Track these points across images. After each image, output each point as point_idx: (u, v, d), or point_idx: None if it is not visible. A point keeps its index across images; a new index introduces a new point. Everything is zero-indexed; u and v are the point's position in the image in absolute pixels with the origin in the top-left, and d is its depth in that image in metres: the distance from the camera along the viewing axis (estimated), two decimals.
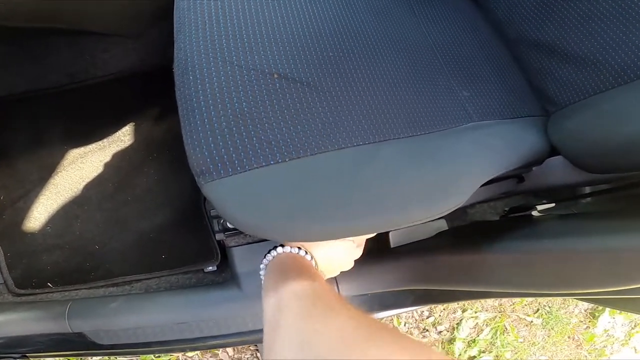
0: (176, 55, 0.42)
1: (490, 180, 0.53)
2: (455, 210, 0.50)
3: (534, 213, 0.67)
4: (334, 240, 0.44)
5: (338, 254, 0.46)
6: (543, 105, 0.58)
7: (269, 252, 0.42)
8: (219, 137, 0.34)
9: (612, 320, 1.23)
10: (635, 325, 1.24)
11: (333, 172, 0.35)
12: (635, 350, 1.24)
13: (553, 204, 0.68)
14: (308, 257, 0.41)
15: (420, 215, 0.39)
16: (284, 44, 0.43)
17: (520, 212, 0.70)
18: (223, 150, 0.33)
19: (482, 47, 0.61)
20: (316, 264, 0.42)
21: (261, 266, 0.42)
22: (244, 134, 0.35)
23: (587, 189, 0.76)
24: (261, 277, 0.41)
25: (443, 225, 0.67)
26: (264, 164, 0.34)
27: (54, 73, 0.84)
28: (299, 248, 0.41)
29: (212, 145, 0.34)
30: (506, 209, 0.79)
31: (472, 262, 0.53)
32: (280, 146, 0.35)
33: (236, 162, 0.33)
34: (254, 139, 0.34)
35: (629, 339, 1.23)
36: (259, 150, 0.34)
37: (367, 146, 0.39)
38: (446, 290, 0.62)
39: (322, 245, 0.44)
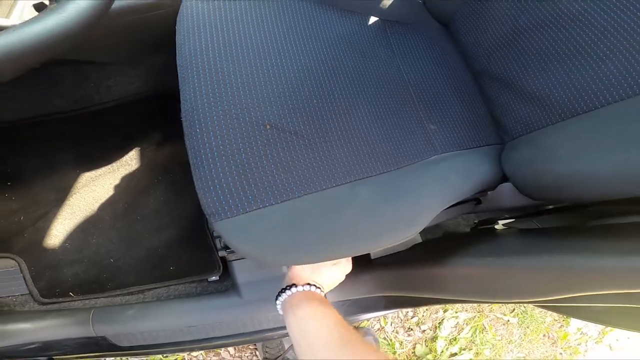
0: (183, 105, 0.50)
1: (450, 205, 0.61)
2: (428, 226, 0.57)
3: (497, 227, 0.76)
4: (330, 264, 0.53)
5: (336, 274, 0.54)
6: (500, 134, 0.63)
7: (283, 291, 0.49)
8: (224, 185, 0.43)
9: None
10: None
11: (316, 212, 0.44)
12: (611, 347, 1.29)
13: (513, 219, 0.77)
14: (318, 290, 0.49)
15: (389, 242, 0.48)
16: (274, 96, 0.51)
17: (488, 224, 0.79)
18: (228, 196, 0.43)
19: (451, 80, 0.66)
20: (322, 290, 0.50)
21: (277, 303, 0.49)
22: (244, 181, 0.44)
23: (551, 207, 0.83)
24: (279, 311, 0.49)
25: (417, 239, 0.76)
26: (260, 206, 0.43)
27: (60, 100, 0.90)
28: (309, 284, 0.48)
29: (219, 192, 0.43)
30: (476, 221, 0.88)
31: (437, 273, 0.61)
32: (274, 190, 0.44)
33: (239, 205, 0.42)
34: (252, 185, 0.44)
35: (603, 337, 1.29)
36: (256, 195, 0.43)
37: (346, 186, 0.48)
38: (415, 297, 0.70)
39: (323, 271, 0.52)
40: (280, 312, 0.49)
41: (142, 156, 0.89)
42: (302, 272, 0.51)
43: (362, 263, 0.76)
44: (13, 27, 0.32)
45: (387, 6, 0.68)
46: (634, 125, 0.41)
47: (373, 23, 0.66)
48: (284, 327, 0.78)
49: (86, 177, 0.88)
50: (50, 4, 0.37)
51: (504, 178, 0.59)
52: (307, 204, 0.44)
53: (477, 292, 0.59)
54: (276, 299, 0.50)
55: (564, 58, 0.50)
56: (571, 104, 0.49)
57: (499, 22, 0.60)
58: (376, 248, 0.47)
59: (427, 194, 0.51)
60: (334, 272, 0.54)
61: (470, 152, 0.60)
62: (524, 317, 1.25)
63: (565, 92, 0.49)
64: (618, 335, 1.30)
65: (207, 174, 0.44)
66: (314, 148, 0.49)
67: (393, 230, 0.47)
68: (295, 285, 0.48)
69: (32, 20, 0.33)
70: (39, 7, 0.44)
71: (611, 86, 0.45)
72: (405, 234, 0.47)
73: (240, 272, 0.73)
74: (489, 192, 0.65)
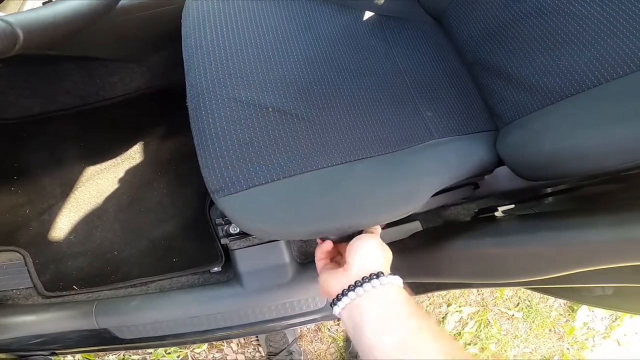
0: (188, 91, 0.52)
1: (448, 188, 0.62)
2: (429, 213, 0.57)
3: (497, 214, 0.77)
4: (367, 247, 0.44)
5: (381, 253, 0.45)
6: (494, 121, 0.65)
7: (345, 294, 0.40)
8: (227, 162, 0.44)
9: (591, 314, 1.28)
10: (616, 319, 1.29)
11: (317, 187, 0.45)
12: (619, 342, 1.28)
13: (513, 205, 0.78)
14: (392, 280, 0.41)
15: (386, 218, 0.49)
16: (277, 81, 0.53)
17: (487, 212, 0.80)
18: (232, 172, 0.44)
19: (445, 70, 0.68)
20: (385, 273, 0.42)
21: (339, 304, 0.41)
22: (247, 159, 0.45)
23: (549, 190, 0.85)
24: (337, 313, 0.41)
25: (418, 227, 0.77)
26: (263, 182, 0.44)
27: (66, 96, 0.92)
28: (376, 275, 0.40)
29: (222, 169, 0.44)
30: (476, 210, 0.89)
31: (437, 257, 0.63)
32: (276, 167, 0.45)
33: (242, 181, 0.43)
34: (255, 162, 0.45)
35: (610, 332, 1.28)
36: (259, 172, 0.44)
37: (344, 165, 0.49)
38: (417, 283, 0.71)
39: (368, 257, 0.43)
40: (350, 329, 0.40)
41: (146, 150, 0.91)
42: (353, 259, 0.42)
43: None
44: (44, 5, 0.36)
45: (382, 2, 0.70)
46: (613, 104, 0.44)
47: (369, 18, 0.68)
48: (287, 318, 0.79)
49: (91, 171, 0.89)
50: None
51: (500, 162, 0.61)
52: (308, 180, 0.45)
53: (477, 273, 0.60)
54: (332, 306, 0.42)
55: (550, 46, 0.53)
56: (559, 88, 0.51)
57: (488, 14, 0.62)
58: (375, 223, 0.48)
59: (424, 173, 0.52)
60: (379, 251, 0.45)
61: (466, 138, 0.61)
62: (528, 311, 1.24)
63: (552, 77, 0.52)
64: (626, 330, 1.29)
65: (211, 152, 0.45)
66: (315, 130, 0.51)
67: (390, 205, 0.48)
68: (363, 280, 0.40)
69: (60, 1, 0.37)
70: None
71: (595, 69, 0.47)
72: (402, 210, 0.48)
73: (242, 261, 0.74)
74: (486, 177, 0.66)
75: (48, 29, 0.34)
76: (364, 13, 0.69)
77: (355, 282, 0.41)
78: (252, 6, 0.59)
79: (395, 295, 0.39)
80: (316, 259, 0.51)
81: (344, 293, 0.41)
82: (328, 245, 0.52)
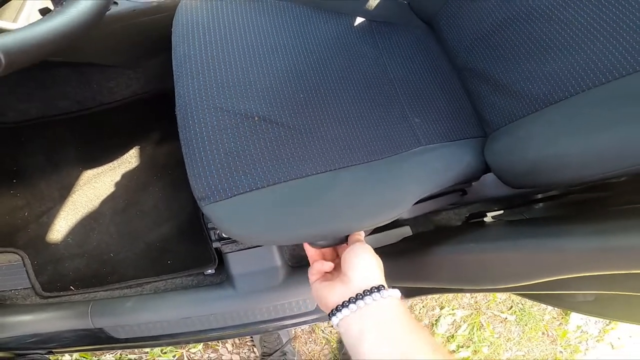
0: (177, 100, 0.53)
1: (435, 195, 0.63)
2: (419, 217, 0.57)
3: (486, 219, 0.78)
4: (364, 259, 0.45)
5: (376, 263, 0.46)
6: (483, 127, 0.65)
7: (345, 306, 0.40)
8: (214, 170, 0.46)
9: (585, 317, 1.27)
10: (609, 322, 1.28)
11: (300, 195, 0.47)
12: (612, 346, 1.28)
13: (502, 211, 0.79)
14: (390, 293, 0.41)
15: (370, 224, 0.50)
16: (264, 90, 0.54)
17: (478, 218, 0.81)
18: (217, 180, 0.45)
19: (435, 76, 0.68)
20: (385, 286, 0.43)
21: (338, 315, 0.41)
22: (232, 167, 0.46)
23: (539, 196, 0.86)
24: (335, 325, 0.41)
25: (407, 232, 0.78)
26: (247, 189, 0.45)
27: (64, 100, 0.93)
28: (377, 289, 0.40)
29: (209, 177, 0.45)
30: (467, 215, 0.90)
31: (426, 262, 0.63)
32: (260, 176, 0.47)
33: (227, 189, 0.45)
34: (240, 171, 0.46)
35: (604, 335, 1.28)
36: (244, 180, 0.46)
37: (327, 173, 0.50)
38: (405, 287, 0.71)
39: (368, 270, 0.44)
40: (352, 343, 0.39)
41: (142, 154, 0.92)
42: (351, 272, 0.42)
43: None
44: (25, 26, 0.37)
45: (373, 7, 0.71)
46: (596, 112, 0.44)
47: (360, 23, 0.69)
48: (279, 319, 0.81)
49: (88, 174, 0.91)
50: (55, 7, 0.42)
51: (488, 169, 0.61)
52: (291, 188, 0.47)
53: (463, 279, 0.60)
54: (331, 316, 0.42)
55: (535, 52, 0.53)
56: (543, 94, 0.51)
57: (477, 20, 0.62)
58: (359, 229, 0.49)
59: (409, 180, 0.53)
60: (373, 260, 0.45)
61: (453, 144, 0.62)
62: (521, 314, 1.25)
63: (538, 83, 0.52)
64: (620, 334, 1.29)
65: (197, 161, 0.47)
66: (300, 138, 0.52)
67: (374, 213, 0.49)
68: (364, 294, 0.40)
69: (42, 20, 0.38)
70: (44, 12, 0.48)
71: (578, 76, 0.47)
72: (386, 216, 0.50)
73: (235, 264, 0.76)
74: (473, 183, 0.67)
75: (30, 51, 0.35)
76: (355, 19, 0.69)
77: (356, 295, 0.41)
78: (241, 15, 0.60)
79: (394, 309, 0.39)
80: (310, 274, 0.49)
81: (344, 305, 0.41)
82: (327, 266, 0.49)
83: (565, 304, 0.84)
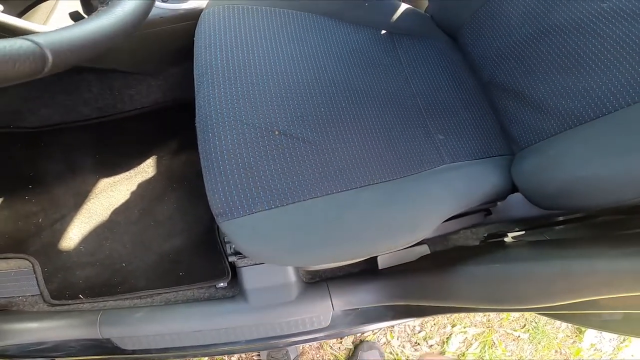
0: (197, 112, 0.52)
1: (459, 215, 0.61)
2: (436, 238, 0.55)
3: (506, 239, 0.75)
4: None
5: None
6: (510, 145, 0.63)
7: None
8: (232, 186, 0.45)
9: (599, 335, 1.25)
10: (624, 340, 1.25)
11: (320, 215, 0.46)
12: None
13: (523, 232, 0.76)
14: None
15: (391, 246, 0.48)
16: (285, 104, 0.53)
17: (497, 238, 0.78)
18: (236, 196, 0.44)
19: (459, 90, 0.66)
20: None
21: None
22: (251, 183, 0.45)
23: (561, 218, 0.83)
24: None
25: (426, 250, 0.76)
26: (266, 207, 0.44)
27: (85, 107, 0.94)
28: None
29: (227, 193, 0.44)
30: (485, 234, 0.88)
31: (444, 280, 0.61)
32: (280, 193, 0.46)
33: (245, 206, 0.44)
34: (260, 187, 0.45)
35: (618, 353, 1.25)
36: (262, 197, 0.45)
37: (349, 192, 0.49)
38: (422, 306, 0.69)
39: None
40: None
41: (159, 164, 0.92)
42: None
43: (369, 272, 0.77)
44: (71, 25, 0.36)
45: (395, 20, 0.70)
46: (634, 131, 0.42)
47: (382, 36, 0.68)
48: (291, 335, 0.79)
49: (104, 182, 0.91)
50: (100, 6, 0.40)
51: (515, 188, 0.59)
52: (312, 207, 0.46)
53: (485, 299, 0.58)
54: None
55: (569, 66, 0.50)
56: (577, 111, 0.49)
57: (505, 33, 0.61)
58: (379, 252, 0.48)
59: (431, 201, 0.52)
60: None
61: (479, 163, 0.60)
62: (535, 332, 1.22)
63: (571, 100, 0.50)
64: (633, 351, 1.26)
65: (216, 175, 0.46)
66: (320, 154, 0.51)
67: (395, 235, 0.48)
68: None
69: (89, 19, 0.37)
70: (75, 16, 0.47)
71: (617, 93, 0.45)
72: (408, 239, 0.48)
73: (249, 278, 0.74)
74: (498, 203, 0.65)
75: (76, 50, 0.33)
76: (378, 32, 0.68)
77: None
78: (264, 26, 0.60)
79: None
80: None
81: None
82: None
83: (590, 323, 0.81)
